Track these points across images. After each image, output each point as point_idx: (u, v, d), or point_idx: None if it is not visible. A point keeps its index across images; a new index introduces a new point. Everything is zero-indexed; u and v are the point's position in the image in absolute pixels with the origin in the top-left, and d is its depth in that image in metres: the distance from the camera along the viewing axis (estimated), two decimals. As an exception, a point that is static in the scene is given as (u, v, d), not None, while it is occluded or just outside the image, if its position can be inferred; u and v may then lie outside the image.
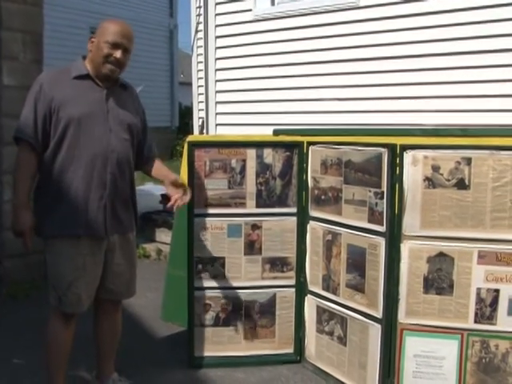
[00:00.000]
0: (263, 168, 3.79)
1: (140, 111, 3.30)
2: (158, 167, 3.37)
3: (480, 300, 3.12)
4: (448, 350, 3.20)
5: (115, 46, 3.00)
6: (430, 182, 3.15)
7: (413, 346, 3.26)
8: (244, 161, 3.78)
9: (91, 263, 3.06)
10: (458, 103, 4.92)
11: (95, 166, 2.99)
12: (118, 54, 3.00)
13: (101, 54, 3.00)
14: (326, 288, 3.69)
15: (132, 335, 4.28)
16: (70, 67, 3.11)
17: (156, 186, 8.09)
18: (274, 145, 3.82)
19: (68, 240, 3.00)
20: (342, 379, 3.61)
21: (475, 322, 3.14)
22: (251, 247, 3.83)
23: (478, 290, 3.12)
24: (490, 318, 3.12)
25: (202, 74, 6.99)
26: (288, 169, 3.81)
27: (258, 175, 3.79)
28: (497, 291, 3.10)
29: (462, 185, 3.10)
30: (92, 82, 3.06)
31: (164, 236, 6.59)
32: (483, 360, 3.16)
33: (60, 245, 3.01)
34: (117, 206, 3.10)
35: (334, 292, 3.63)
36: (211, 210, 3.79)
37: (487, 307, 3.12)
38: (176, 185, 3.26)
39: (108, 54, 2.99)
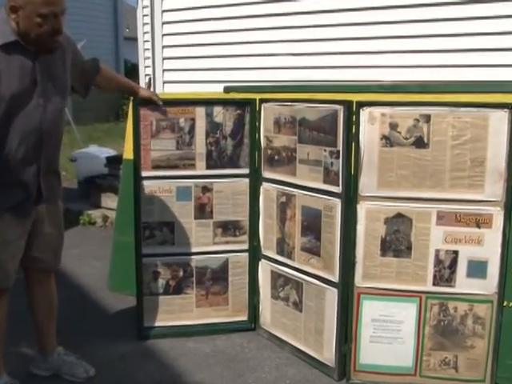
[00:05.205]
0: (213, 127, 3.77)
1: (70, 57, 3.10)
2: (116, 75, 3.45)
3: (439, 262, 3.18)
4: (406, 313, 3.26)
5: (53, 16, 2.76)
6: (388, 141, 3.16)
7: (370, 311, 3.31)
8: (193, 120, 3.74)
9: (17, 236, 3.01)
10: (417, 58, 4.93)
11: (29, 144, 2.89)
12: (57, 24, 2.78)
13: (38, 30, 2.75)
14: (281, 252, 3.72)
15: (77, 306, 4.27)
16: None
17: (101, 149, 8.00)
18: (224, 102, 3.80)
19: None
20: (298, 346, 3.66)
21: (434, 284, 3.20)
22: (202, 211, 3.82)
23: (437, 251, 3.17)
24: (449, 280, 3.18)
25: (148, 28, 6.84)
26: (239, 128, 3.79)
27: (207, 135, 3.77)
28: (456, 253, 3.16)
29: (420, 143, 3.12)
30: (21, 48, 2.83)
31: (110, 201, 6.52)
32: (442, 323, 3.23)
33: None
34: (49, 178, 3.07)
35: (289, 256, 3.66)
36: (159, 172, 3.75)
37: (446, 269, 3.18)
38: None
39: (51, 29, 2.77)
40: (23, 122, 2.86)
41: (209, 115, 3.76)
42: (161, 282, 3.86)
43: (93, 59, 3.34)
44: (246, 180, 3.84)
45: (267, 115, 3.71)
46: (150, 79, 6.85)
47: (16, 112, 2.84)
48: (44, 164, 2.99)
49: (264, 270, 3.87)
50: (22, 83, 2.84)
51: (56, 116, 3.01)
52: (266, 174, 3.76)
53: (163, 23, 6.66)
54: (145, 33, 6.91)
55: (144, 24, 6.89)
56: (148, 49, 6.87)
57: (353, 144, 3.23)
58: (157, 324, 3.88)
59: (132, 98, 3.73)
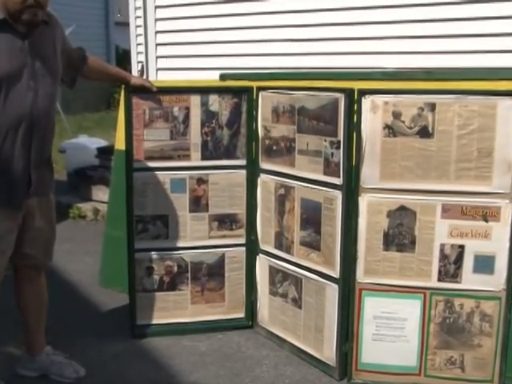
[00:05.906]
0: (209, 116, 3.74)
1: (60, 40, 3.11)
2: (105, 65, 3.46)
3: (444, 257, 3.16)
4: (410, 310, 3.25)
5: None
6: (391, 130, 3.14)
7: (372, 307, 3.30)
8: (187, 109, 3.72)
9: (7, 230, 2.99)
10: (422, 44, 4.91)
11: (18, 131, 2.87)
12: None
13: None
14: (279, 246, 3.70)
15: (68, 304, 4.25)
16: None
17: (91, 139, 7.97)
18: (220, 90, 3.78)
19: None
20: (297, 344, 3.65)
21: (439, 280, 3.19)
22: (197, 203, 3.80)
23: (442, 246, 3.16)
24: (455, 276, 3.17)
25: (140, 13, 6.81)
26: (236, 117, 3.77)
27: (203, 124, 3.74)
28: (461, 247, 3.14)
29: (425, 133, 3.10)
30: (10, 27, 2.83)
31: (101, 194, 6.50)
32: (447, 320, 3.21)
33: None
34: (41, 170, 3.04)
35: (288, 251, 3.64)
36: (152, 164, 3.73)
37: (451, 264, 3.16)
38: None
39: None
40: (13, 106, 2.84)
41: (204, 104, 3.73)
42: (154, 278, 3.84)
43: (78, 48, 3.32)
44: (243, 171, 3.82)
45: (265, 104, 3.69)
46: (142, 66, 6.82)
47: (5, 94, 2.81)
48: (35, 154, 2.96)
49: (262, 265, 3.86)
50: (11, 63, 2.82)
51: (47, 102, 2.98)
52: (264, 165, 3.74)
53: (156, 7, 6.61)
54: (137, 17, 6.87)
55: (136, 8, 6.85)
56: (140, 34, 6.83)
57: (354, 134, 3.20)
58: (150, 322, 3.86)
59: (124, 85, 3.71)
